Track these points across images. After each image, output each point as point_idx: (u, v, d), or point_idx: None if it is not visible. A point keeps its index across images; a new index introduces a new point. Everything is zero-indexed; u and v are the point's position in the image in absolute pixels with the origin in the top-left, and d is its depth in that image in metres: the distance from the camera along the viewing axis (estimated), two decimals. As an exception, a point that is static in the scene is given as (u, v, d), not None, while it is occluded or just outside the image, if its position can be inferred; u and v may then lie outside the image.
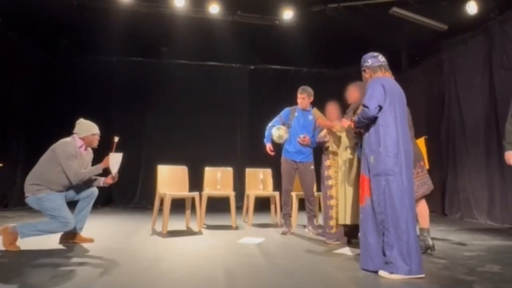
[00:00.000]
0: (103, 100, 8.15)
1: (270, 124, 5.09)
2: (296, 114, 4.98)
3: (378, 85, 3.02)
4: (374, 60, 3.20)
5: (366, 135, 3.09)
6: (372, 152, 2.98)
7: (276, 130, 4.80)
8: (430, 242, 3.67)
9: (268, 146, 5.08)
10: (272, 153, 5.10)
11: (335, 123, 4.12)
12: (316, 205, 5.07)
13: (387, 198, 2.85)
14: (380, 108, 2.95)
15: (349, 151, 3.94)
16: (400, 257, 2.76)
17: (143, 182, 8.15)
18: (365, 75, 3.22)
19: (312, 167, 5.01)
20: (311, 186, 4.97)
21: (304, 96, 4.94)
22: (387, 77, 3.15)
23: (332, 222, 4.22)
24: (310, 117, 4.90)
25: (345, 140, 4.04)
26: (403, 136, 2.94)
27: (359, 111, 3.21)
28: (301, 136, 4.71)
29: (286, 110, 5.09)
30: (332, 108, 4.46)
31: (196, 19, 7.02)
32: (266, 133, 5.06)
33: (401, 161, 2.87)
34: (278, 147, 5.11)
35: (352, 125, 3.30)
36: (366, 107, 2.96)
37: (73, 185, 3.84)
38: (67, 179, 3.76)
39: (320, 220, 5.47)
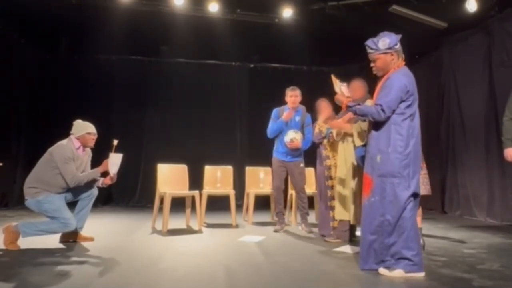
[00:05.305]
0: (102, 98, 8.11)
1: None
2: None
3: (403, 86, 2.80)
4: (400, 45, 2.89)
5: (374, 133, 2.92)
6: (379, 151, 2.85)
7: (294, 134, 4.72)
8: (421, 241, 3.67)
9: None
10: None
11: (348, 126, 3.84)
12: (306, 202, 5.00)
13: (392, 200, 2.79)
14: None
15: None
16: (400, 254, 2.77)
17: (143, 181, 8.13)
18: (389, 58, 2.89)
19: (302, 165, 4.98)
20: (299, 183, 4.92)
21: (297, 94, 4.92)
22: (407, 69, 2.94)
23: (335, 223, 4.20)
24: (297, 118, 4.90)
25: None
26: (414, 136, 2.85)
27: (367, 103, 3.13)
28: (288, 140, 4.69)
29: (275, 111, 5.03)
30: (324, 105, 4.45)
31: (196, 18, 7.00)
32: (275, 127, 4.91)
33: (409, 163, 2.79)
34: (271, 144, 5.09)
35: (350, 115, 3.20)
36: (383, 110, 2.78)
37: (70, 187, 3.83)
38: (64, 181, 3.76)
39: (313, 218, 5.45)
